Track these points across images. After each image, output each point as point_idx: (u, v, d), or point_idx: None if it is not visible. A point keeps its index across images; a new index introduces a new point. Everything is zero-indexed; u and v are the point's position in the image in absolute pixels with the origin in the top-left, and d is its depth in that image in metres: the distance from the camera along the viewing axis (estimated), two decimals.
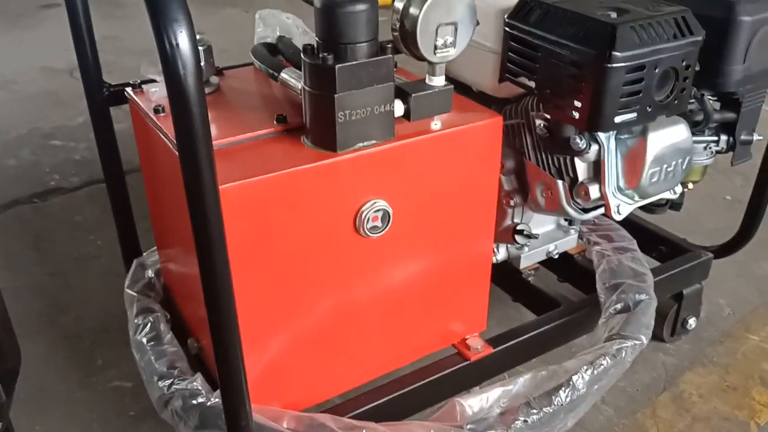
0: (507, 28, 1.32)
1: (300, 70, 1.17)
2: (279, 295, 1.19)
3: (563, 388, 1.33)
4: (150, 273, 1.56)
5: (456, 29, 1.14)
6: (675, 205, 1.68)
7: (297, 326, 1.23)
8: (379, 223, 1.21)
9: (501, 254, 1.61)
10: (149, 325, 1.40)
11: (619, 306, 1.51)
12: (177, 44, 0.80)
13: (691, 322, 1.80)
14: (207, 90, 1.31)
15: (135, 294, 1.49)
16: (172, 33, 0.79)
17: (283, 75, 1.26)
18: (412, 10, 1.11)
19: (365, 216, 1.19)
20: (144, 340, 1.38)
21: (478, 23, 1.34)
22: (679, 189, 1.42)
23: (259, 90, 1.38)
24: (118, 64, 3.37)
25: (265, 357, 1.23)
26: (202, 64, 1.28)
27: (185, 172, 0.88)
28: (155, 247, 1.60)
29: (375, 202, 1.19)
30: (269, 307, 1.19)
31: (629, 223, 1.81)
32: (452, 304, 1.43)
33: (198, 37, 1.29)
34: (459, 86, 1.52)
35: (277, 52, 1.43)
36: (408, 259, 1.30)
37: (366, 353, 1.36)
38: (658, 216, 1.72)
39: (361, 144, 1.14)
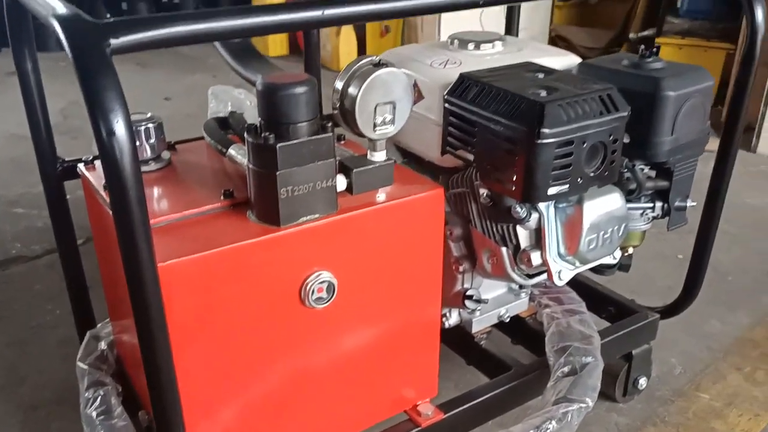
0: (446, 104, 1.38)
1: None
2: (226, 368, 1.20)
3: None
4: (103, 345, 1.55)
5: (394, 107, 1.19)
6: (623, 266, 1.73)
7: (246, 398, 1.24)
8: (324, 294, 1.23)
9: (453, 318, 1.64)
10: (99, 398, 1.39)
11: (566, 369, 1.53)
12: (113, 132, 0.84)
13: (642, 382, 1.83)
14: (157, 165, 1.35)
15: (86, 367, 1.48)
16: (108, 122, 0.83)
17: (231, 151, 1.30)
18: (351, 90, 1.16)
19: (310, 287, 1.21)
20: (93, 414, 1.37)
21: (423, 97, 1.40)
22: (618, 254, 1.47)
23: (209, 164, 1.41)
24: (85, 130, 3.41)
25: (216, 430, 1.23)
26: (153, 140, 1.32)
27: (123, 253, 0.91)
28: (109, 319, 1.60)
29: (320, 274, 1.22)
30: (217, 381, 1.20)
31: (579, 285, 1.85)
32: (402, 371, 1.45)
33: (149, 115, 1.35)
34: (411, 156, 1.58)
35: (228, 127, 1.47)
36: (355, 329, 1.32)
37: (317, 423, 1.37)
38: (613, 276, 1.77)
39: (304, 218, 1.18)
